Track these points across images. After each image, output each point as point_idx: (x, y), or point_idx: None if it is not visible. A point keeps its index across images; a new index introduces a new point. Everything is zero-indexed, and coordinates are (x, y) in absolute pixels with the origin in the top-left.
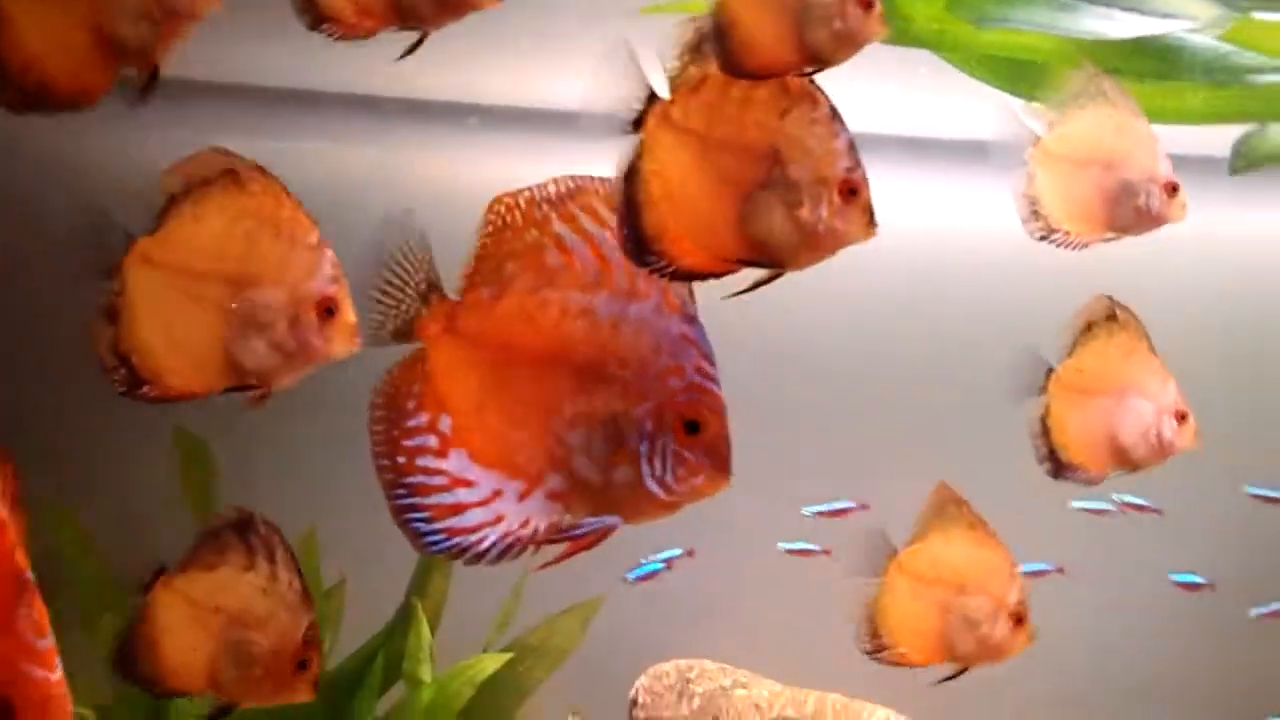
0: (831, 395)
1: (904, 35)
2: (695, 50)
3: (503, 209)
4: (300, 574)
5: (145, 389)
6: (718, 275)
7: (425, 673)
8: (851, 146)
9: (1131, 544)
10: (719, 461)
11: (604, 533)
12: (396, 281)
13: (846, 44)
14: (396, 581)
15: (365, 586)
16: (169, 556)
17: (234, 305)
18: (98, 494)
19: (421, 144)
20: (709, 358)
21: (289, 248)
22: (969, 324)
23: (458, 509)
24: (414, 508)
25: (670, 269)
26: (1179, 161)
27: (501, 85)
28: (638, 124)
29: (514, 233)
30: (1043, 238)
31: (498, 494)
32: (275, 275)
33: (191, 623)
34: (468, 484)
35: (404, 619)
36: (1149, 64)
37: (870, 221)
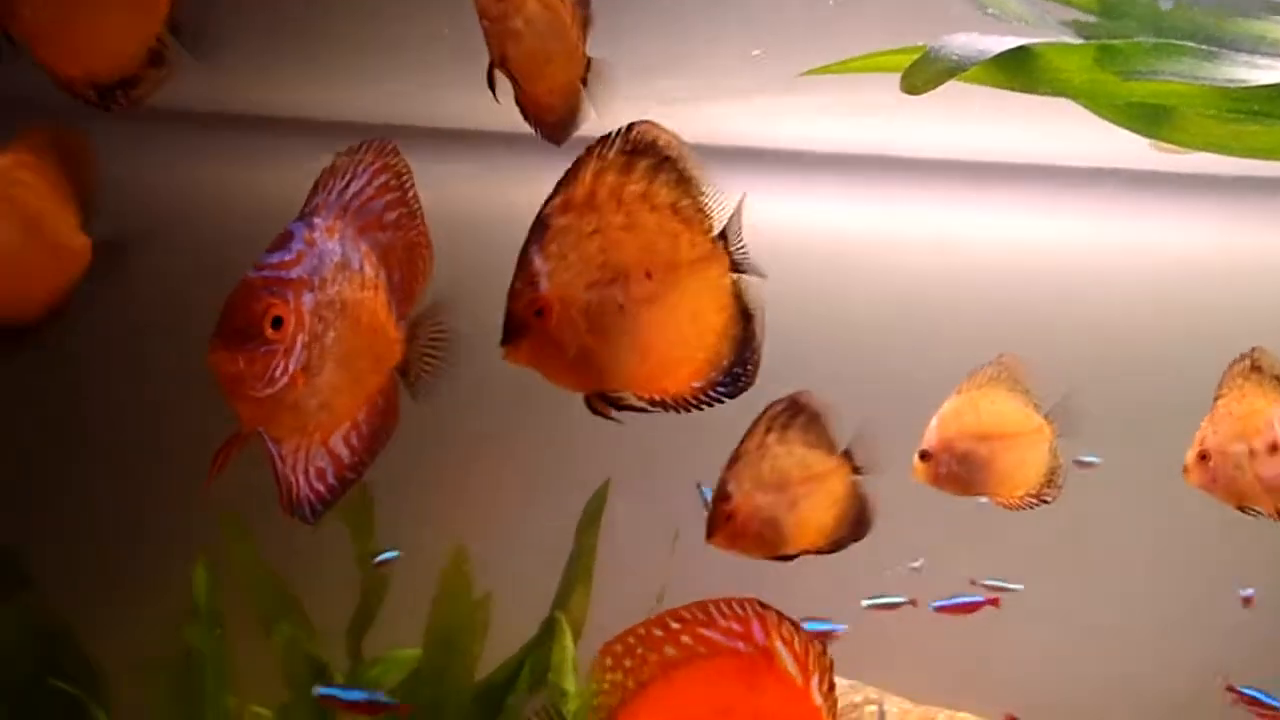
0: None
1: (1057, 85)
2: None
3: None
4: None
5: None
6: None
7: (570, 683)
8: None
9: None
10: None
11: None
12: None
13: None
14: (540, 596)
15: (510, 600)
16: (329, 571)
17: None
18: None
19: None
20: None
21: None
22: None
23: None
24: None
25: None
26: None
27: None
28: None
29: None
30: None
31: None
32: None
33: None
34: None
35: (548, 632)
36: None
37: None
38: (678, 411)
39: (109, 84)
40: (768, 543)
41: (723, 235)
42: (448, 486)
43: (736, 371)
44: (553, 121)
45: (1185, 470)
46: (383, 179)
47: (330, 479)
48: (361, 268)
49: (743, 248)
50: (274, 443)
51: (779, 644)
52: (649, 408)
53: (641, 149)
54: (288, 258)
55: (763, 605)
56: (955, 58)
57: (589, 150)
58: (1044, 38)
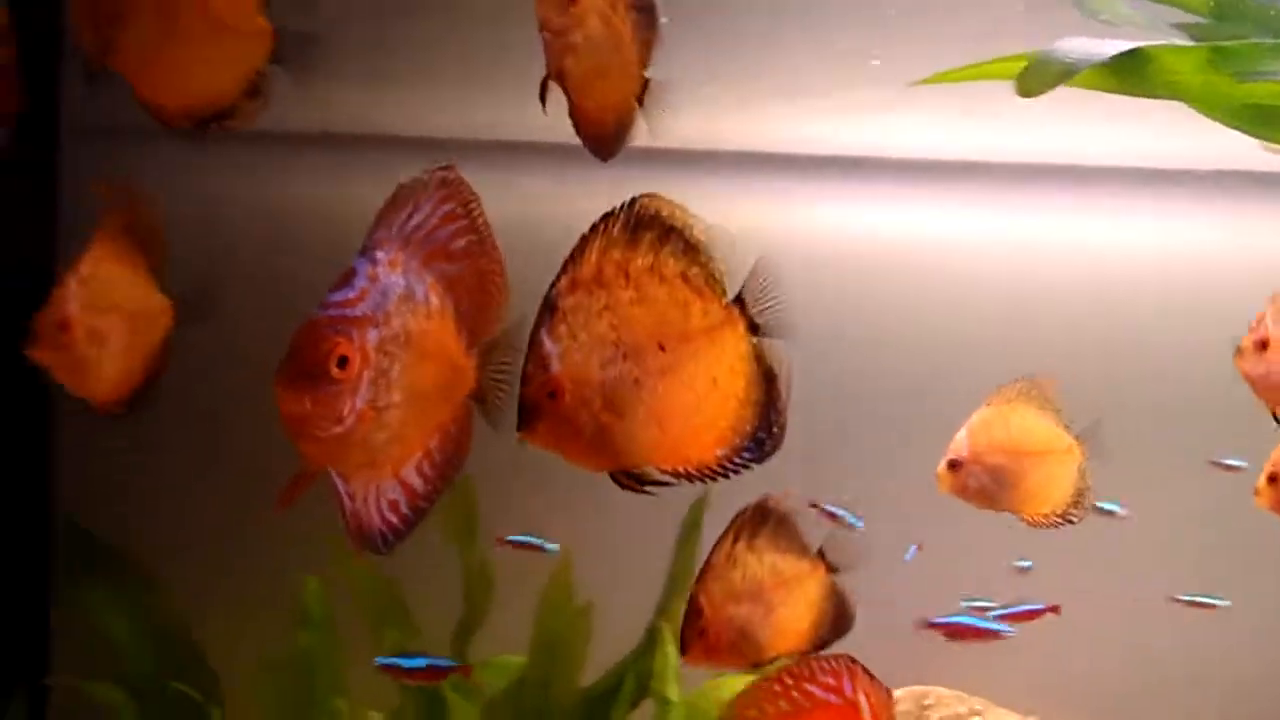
0: None
1: (1170, 88)
2: None
3: None
4: None
5: None
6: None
7: (673, 692)
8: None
9: None
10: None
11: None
12: None
13: None
14: (642, 604)
15: (612, 608)
16: (428, 581)
17: None
18: None
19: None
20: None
21: None
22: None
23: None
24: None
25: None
26: None
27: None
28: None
29: None
30: None
31: None
32: None
33: None
34: None
35: (651, 640)
36: None
37: None
38: (703, 482)
39: (205, 115)
40: (744, 654)
41: (739, 299)
42: (551, 495)
43: (761, 436)
44: (601, 136)
45: (1256, 493)
46: (446, 208)
47: (404, 509)
48: (427, 299)
49: (762, 309)
50: (341, 478)
51: (862, 696)
52: (673, 480)
53: (645, 222)
54: (351, 295)
55: (852, 661)
56: (1069, 61)
57: (593, 228)
58: (1155, 41)
